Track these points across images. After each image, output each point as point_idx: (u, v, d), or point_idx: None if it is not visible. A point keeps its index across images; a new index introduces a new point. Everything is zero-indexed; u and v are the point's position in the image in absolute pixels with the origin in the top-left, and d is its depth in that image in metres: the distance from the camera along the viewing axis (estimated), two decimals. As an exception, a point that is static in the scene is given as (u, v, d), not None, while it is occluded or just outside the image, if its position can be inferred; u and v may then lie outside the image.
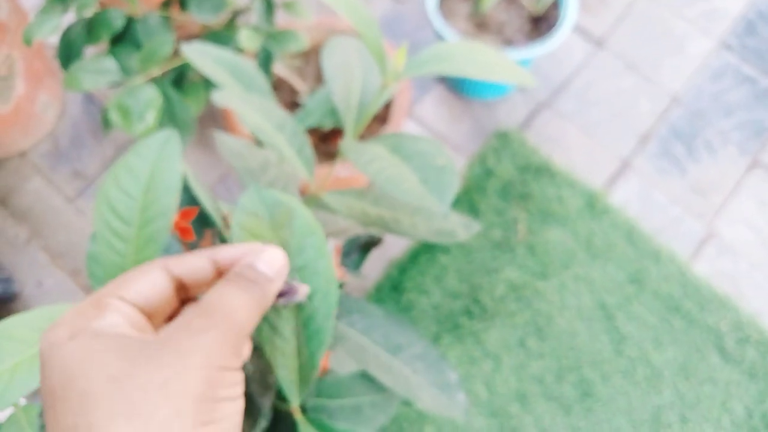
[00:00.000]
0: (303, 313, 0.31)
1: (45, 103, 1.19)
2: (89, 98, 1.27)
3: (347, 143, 0.43)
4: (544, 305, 1.12)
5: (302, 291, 0.30)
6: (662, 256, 1.16)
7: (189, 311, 0.25)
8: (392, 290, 1.12)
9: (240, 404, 0.25)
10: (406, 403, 1.02)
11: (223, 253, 0.29)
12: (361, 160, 0.39)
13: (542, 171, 1.22)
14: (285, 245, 0.31)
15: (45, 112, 1.20)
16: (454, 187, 0.37)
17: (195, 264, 0.28)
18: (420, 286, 1.12)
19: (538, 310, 1.11)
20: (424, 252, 1.14)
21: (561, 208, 1.19)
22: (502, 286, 1.13)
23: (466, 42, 0.42)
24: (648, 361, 1.09)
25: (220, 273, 0.29)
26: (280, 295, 0.30)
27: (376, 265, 1.14)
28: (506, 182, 1.20)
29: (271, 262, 0.28)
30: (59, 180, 1.20)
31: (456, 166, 1.21)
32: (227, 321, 0.25)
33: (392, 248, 1.15)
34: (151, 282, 0.27)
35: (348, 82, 0.46)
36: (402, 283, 1.12)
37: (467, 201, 1.19)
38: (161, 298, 0.27)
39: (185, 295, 0.29)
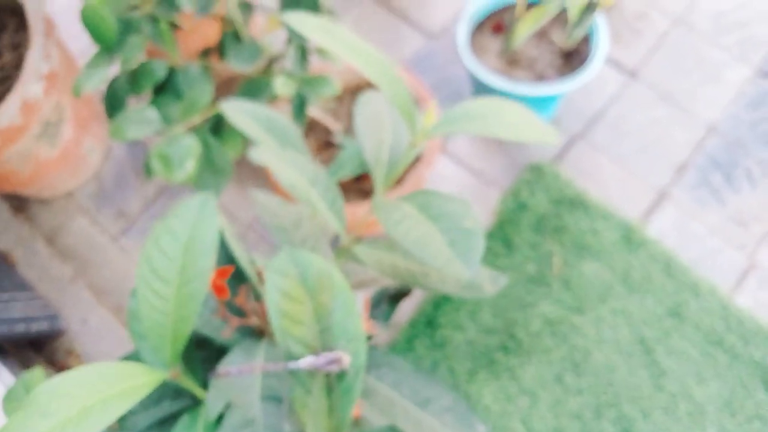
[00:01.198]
0: (333, 373, 0.32)
1: (90, 147, 1.24)
2: (133, 141, 1.32)
3: (378, 201, 0.44)
4: (581, 340, 1.11)
5: (345, 360, 0.32)
6: (702, 289, 1.14)
7: None
8: (426, 326, 1.12)
9: None
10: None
11: None
12: (391, 221, 0.40)
13: (577, 204, 1.21)
14: (319, 306, 0.32)
15: (90, 155, 1.25)
16: (480, 250, 0.38)
17: None
18: (454, 322, 1.12)
19: (574, 345, 1.10)
20: (458, 287, 1.15)
21: (596, 241, 1.18)
22: (537, 321, 1.12)
23: (495, 101, 0.44)
24: (690, 396, 1.07)
25: None
26: (326, 364, 0.32)
27: (410, 301, 1.15)
28: (540, 216, 1.20)
29: None
30: (103, 219, 1.25)
31: (490, 200, 1.21)
32: None
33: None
34: None
35: (378, 137, 0.48)
36: (436, 319, 1.13)
37: (501, 235, 1.19)
38: None
39: None
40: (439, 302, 1.14)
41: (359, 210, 0.93)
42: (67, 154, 1.18)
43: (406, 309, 1.14)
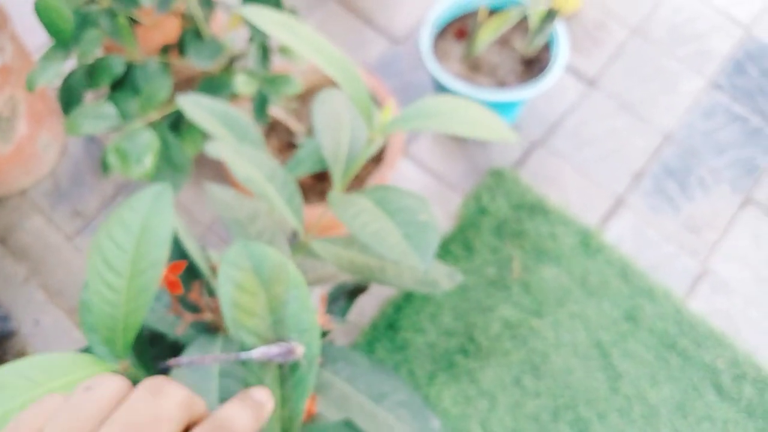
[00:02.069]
0: (286, 365, 0.32)
1: (46, 143, 1.21)
2: (90, 138, 1.29)
3: (334, 196, 0.44)
4: (540, 343, 1.12)
5: (299, 351, 0.31)
6: (657, 294, 1.17)
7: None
8: (387, 329, 1.12)
9: None
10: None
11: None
12: (347, 214, 0.40)
13: (536, 209, 1.23)
14: (273, 298, 0.32)
15: (46, 152, 1.22)
16: (434, 243, 0.38)
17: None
18: (415, 325, 1.13)
19: (533, 348, 1.12)
20: (419, 290, 1.15)
21: (555, 245, 1.20)
22: (497, 324, 1.13)
23: (450, 99, 0.44)
24: (644, 398, 1.09)
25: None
26: (278, 357, 0.31)
27: (371, 303, 1.15)
28: (501, 220, 1.21)
29: (265, 393, 0.29)
30: (59, 218, 1.22)
31: (451, 204, 1.22)
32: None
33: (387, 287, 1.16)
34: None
35: (337, 134, 0.48)
36: (397, 322, 1.13)
37: (462, 239, 1.20)
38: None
39: None
40: (401, 305, 1.14)
41: (319, 211, 0.92)
42: (21, 151, 1.15)
43: (367, 312, 1.14)
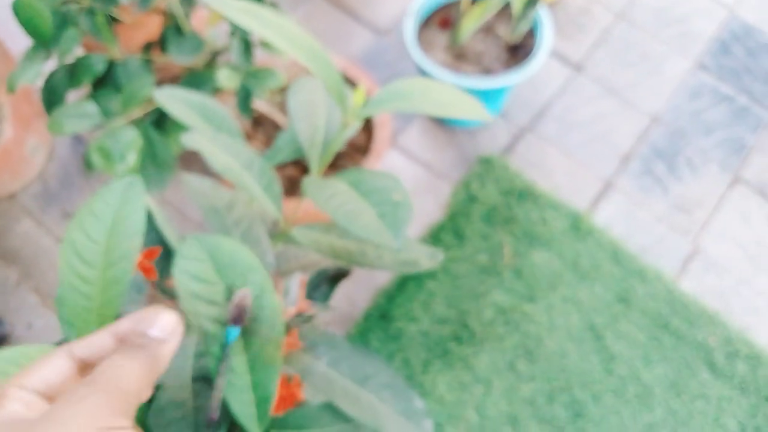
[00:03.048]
0: (252, 348, 0.32)
1: (34, 146, 1.21)
2: (78, 140, 1.29)
3: (309, 180, 0.44)
4: (533, 328, 1.12)
5: (246, 299, 0.32)
6: (648, 275, 1.17)
7: (75, 384, 0.27)
8: (380, 319, 1.13)
9: None
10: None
11: (122, 325, 0.30)
12: (322, 197, 0.40)
13: (526, 195, 1.23)
14: (229, 285, 0.32)
15: (34, 155, 1.22)
16: (407, 221, 0.38)
17: (98, 342, 0.30)
18: (408, 314, 1.13)
19: (526, 332, 1.12)
20: (411, 279, 1.15)
21: (546, 230, 1.20)
22: (489, 310, 1.14)
23: (422, 80, 0.44)
24: (638, 379, 1.10)
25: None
26: (236, 321, 0.32)
27: (363, 293, 1.15)
28: (491, 207, 1.22)
29: (163, 325, 0.30)
30: (49, 221, 1.22)
31: (441, 193, 1.23)
32: (110, 385, 0.26)
33: (379, 276, 1.16)
34: (53, 367, 0.29)
35: (312, 120, 0.48)
36: (390, 311, 1.13)
37: (453, 227, 1.20)
38: (64, 380, 0.29)
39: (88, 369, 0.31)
40: (393, 295, 1.14)
41: (294, 205, 0.93)
42: (9, 154, 1.15)
43: (359, 303, 1.14)
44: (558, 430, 1.06)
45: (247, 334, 0.33)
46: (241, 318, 0.31)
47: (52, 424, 0.25)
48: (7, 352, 0.34)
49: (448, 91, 0.44)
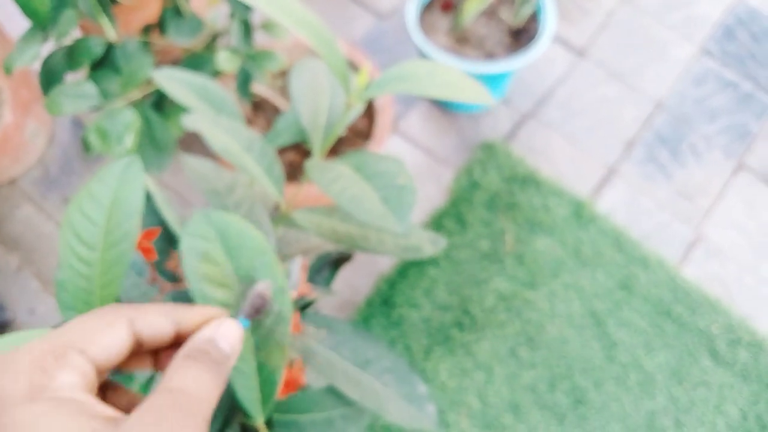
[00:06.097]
0: (260, 333, 0.32)
1: (34, 131, 1.20)
2: (77, 124, 1.28)
3: (312, 163, 0.43)
4: (535, 314, 1.12)
5: (267, 293, 0.30)
6: (651, 262, 1.17)
7: (156, 397, 0.24)
8: (382, 305, 1.12)
9: None
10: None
11: (187, 319, 0.29)
12: (325, 180, 0.40)
13: (528, 181, 1.22)
14: (238, 267, 0.32)
15: (34, 140, 1.21)
16: (411, 205, 0.38)
17: (158, 324, 0.28)
18: (410, 300, 1.13)
19: (528, 319, 1.12)
20: (413, 265, 1.15)
21: (548, 217, 1.19)
22: (491, 296, 1.13)
23: (427, 62, 0.43)
24: (640, 366, 1.09)
25: (179, 336, 0.29)
26: (252, 314, 0.30)
27: (365, 279, 1.14)
28: (493, 193, 1.21)
29: (229, 337, 0.28)
30: (49, 206, 1.21)
31: (443, 179, 1.22)
32: (195, 405, 0.24)
33: (381, 263, 1.16)
34: (116, 338, 0.26)
35: (315, 103, 0.47)
36: (392, 298, 1.13)
37: (455, 213, 1.19)
38: (120, 355, 0.27)
39: (138, 349, 0.28)
40: (395, 281, 1.14)
41: (294, 189, 0.92)
42: (8, 139, 1.14)
43: (362, 289, 1.14)
44: (559, 417, 1.06)
45: (254, 319, 0.32)
46: (258, 312, 0.30)
47: None
48: (10, 337, 0.34)
49: (454, 73, 0.43)
